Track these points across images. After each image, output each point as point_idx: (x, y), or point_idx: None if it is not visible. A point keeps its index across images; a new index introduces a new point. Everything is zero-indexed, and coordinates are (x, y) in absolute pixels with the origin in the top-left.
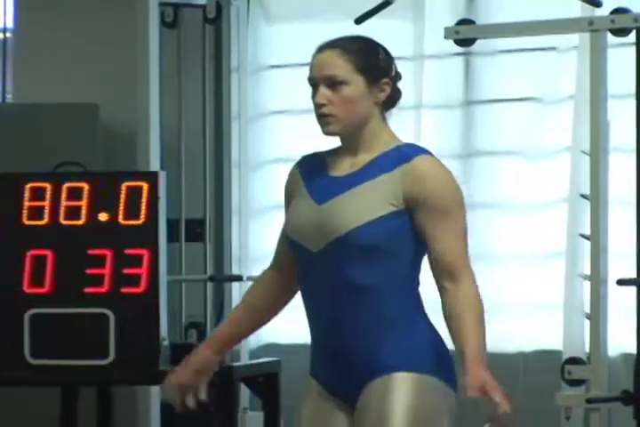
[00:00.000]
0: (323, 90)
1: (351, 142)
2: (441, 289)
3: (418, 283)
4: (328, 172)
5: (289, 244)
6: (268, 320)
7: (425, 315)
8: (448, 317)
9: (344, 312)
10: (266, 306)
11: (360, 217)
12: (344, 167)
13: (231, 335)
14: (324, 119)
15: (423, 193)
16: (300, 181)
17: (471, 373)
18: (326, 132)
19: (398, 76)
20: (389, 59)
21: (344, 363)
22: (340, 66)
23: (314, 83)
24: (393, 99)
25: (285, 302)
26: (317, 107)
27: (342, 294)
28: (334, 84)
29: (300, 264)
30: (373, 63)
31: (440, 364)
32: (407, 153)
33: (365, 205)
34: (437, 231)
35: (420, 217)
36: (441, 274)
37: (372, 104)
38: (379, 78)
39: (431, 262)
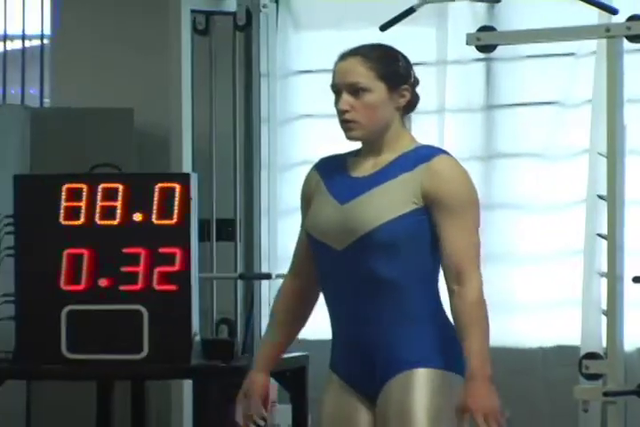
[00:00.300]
0: (345, 97)
1: (373, 146)
2: (449, 290)
3: (437, 279)
4: (349, 172)
5: (311, 243)
6: (303, 326)
7: (443, 310)
8: (455, 319)
9: (366, 308)
10: (294, 318)
11: (382, 216)
12: (366, 168)
13: (273, 353)
14: (347, 125)
15: (439, 191)
16: (320, 182)
17: (471, 392)
18: (349, 138)
19: (417, 82)
20: (408, 65)
21: (365, 358)
22: (362, 73)
23: (336, 89)
24: (412, 103)
25: (312, 307)
26: (340, 113)
27: (365, 290)
28: (357, 90)
29: (322, 263)
30: (394, 70)
31: (458, 359)
32: (427, 153)
33: (387, 203)
34: (448, 231)
35: (435, 215)
36: (449, 275)
37: (393, 109)
38: (399, 85)
39: (441, 262)
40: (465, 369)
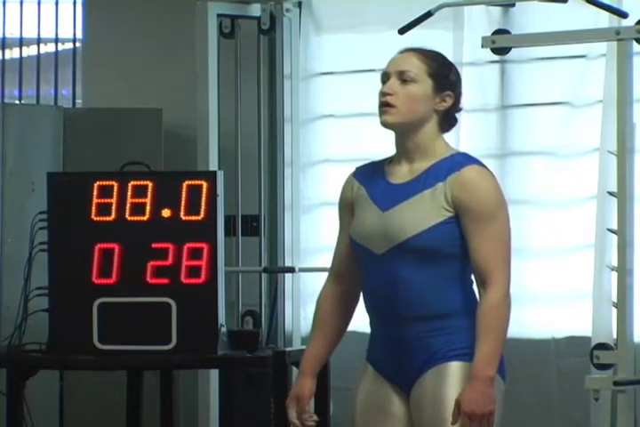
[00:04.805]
0: (392, 81)
1: (406, 144)
2: (478, 292)
3: (469, 278)
4: (388, 179)
5: (353, 245)
6: (346, 328)
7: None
8: (476, 321)
9: (401, 308)
10: (337, 320)
11: (420, 224)
12: (403, 174)
13: (318, 357)
14: (384, 108)
15: (466, 199)
16: (361, 189)
17: (467, 392)
18: (384, 121)
19: (460, 96)
20: (458, 78)
21: (402, 354)
22: (414, 65)
23: (386, 79)
24: (450, 114)
25: (353, 309)
26: (382, 95)
27: (400, 290)
28: (405, 80)
29: (363, 264)
30: (444, 73)
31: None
32: (459, 162)
33: (424, 212)
34: (475, 237)
35: (464, 223)
36: (477, 279)
37: (432, 110)
38: (445, 88)
39: (472, 267)
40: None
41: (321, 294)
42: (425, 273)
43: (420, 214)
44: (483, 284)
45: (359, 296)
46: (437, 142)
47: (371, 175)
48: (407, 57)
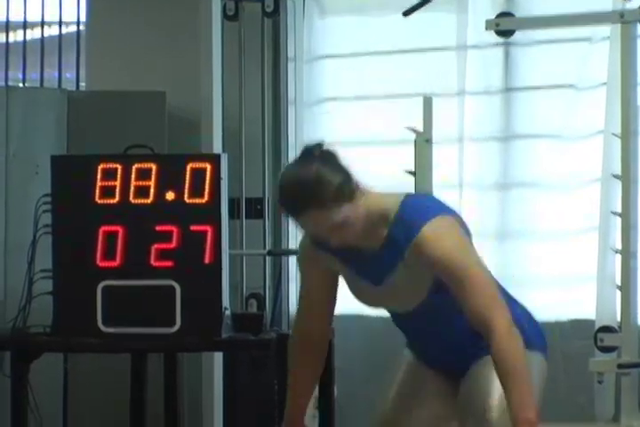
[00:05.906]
0: (328, 235)
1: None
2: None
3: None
4: (354, 249)
5: None
6: (321, 369)
7: (506, 295)
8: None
9: (440, 351)
10: (310, 371)
11: (418, 296)
12: (368, 241)
13: (302, 405)
14: (332, 244)
15: (433, 263)
16: (332, 258)
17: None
18: (337, 244)
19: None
20: (339, 165)
21: (443, 359)
22: (327, 218)
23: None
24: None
25: (324, 356)
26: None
27: (436, 342)
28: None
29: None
30: (339, 191)
31: (530, 336)
32: (410, 227)
33: (412, 284)
34: (459, 293)
35: (443, 279)
36: (476, 328)
37: (358, 206)
38: (351, 192)
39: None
40: (541, 344)
41: (290, 345)
42: (451, 322)
43: (412, 287)
44: (485, 331)
45: (327, 347)
46: (373, 203)
47: (331, 247)
48: (306, 219)
